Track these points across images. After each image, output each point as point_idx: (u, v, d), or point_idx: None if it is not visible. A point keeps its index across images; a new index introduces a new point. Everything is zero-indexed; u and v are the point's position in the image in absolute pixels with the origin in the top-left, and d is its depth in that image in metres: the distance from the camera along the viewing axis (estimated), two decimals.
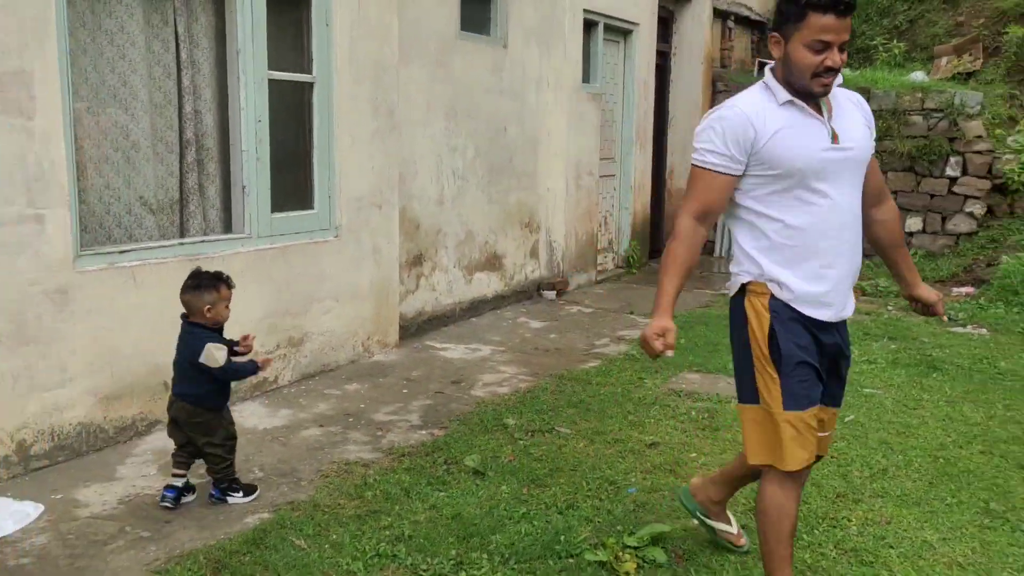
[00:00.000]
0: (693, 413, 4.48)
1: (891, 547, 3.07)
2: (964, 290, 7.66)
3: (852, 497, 3.48)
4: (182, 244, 4.20)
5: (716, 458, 3.88)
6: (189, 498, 3.39)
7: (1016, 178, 8.18)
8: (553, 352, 5.75)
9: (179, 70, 4.26)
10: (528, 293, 7.29)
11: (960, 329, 6.42)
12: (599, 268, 8.35)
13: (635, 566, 2.87)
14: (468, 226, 6.45)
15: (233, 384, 3.47)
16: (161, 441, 3.98)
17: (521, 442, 4.03)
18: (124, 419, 3.94)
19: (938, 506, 3.42)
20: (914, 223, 8.70)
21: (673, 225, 2.54)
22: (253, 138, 4.52)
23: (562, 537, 3.06)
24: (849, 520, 3.28)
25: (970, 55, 9.47)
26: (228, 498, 3.36)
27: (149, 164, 4.17)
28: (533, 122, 7.15)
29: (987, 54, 9.60)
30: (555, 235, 7.49)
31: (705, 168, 2.42)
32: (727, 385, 4.96)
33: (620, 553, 2.92)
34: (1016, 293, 7.11)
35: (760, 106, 2.39)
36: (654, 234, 9.56)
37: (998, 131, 8.43)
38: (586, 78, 7.84)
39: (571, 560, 2.93)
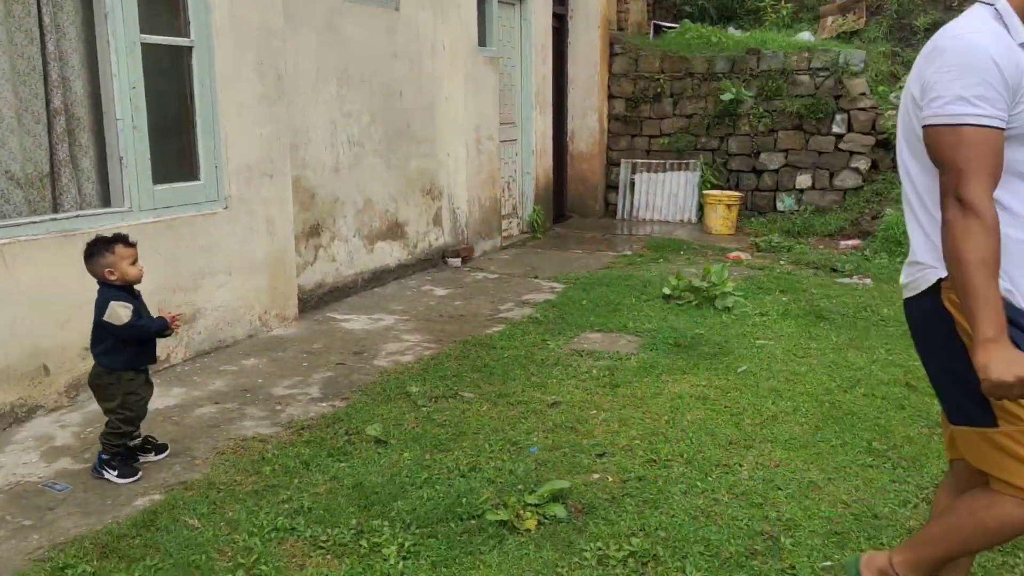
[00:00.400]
0: (594, 372, 4.55)
1: (779, 488, 3.19)
2: (851, 243, 7.99)
3: (744, 443, 3.60)
4: (55, 220, 3.98)
5: (616, 413, 3.94)
6: (154, 457, 3.46)
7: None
8: (457, 319, 5.73)
9: (42, 35, 4.00)
10: (433, 261, 7.24)
11: (847, 280, 6.69)
12: (504, 234, 8.35)
13: (535, 523, 2.90)
14: (367, 194, 6.33)
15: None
16: (43, 427, 3.80)
17: (424, 409, 4.01)
18: (1, 405, 3.73)
19: (824, 448, 3.57)
20: (804, 180, 9.01)
21: (958, 211, 1.77)
22: (128, 106, 4.30)
23: (464, 499, 3.07)
24: (741, 465, 3.39)
25: (854, 14, 9.80)
26: (104, 473, 3.26)
27: (14, 136, 3.92)
28: (430, 87, 7.05)
29: (870, 13, 9.95)
30: (458, 201, 7.44)
31: (983, 126, 1.77)
32: (627, 343, 5.05)
33: (521, 511, 2.94)
34: (899, 244, 7.45)
35: (1005, 42, 1.83)
36: (558, 199, 9.62)
37: (881, 88, 8.76)
38: (482, 41, 7.77)
39: (473, 521, 2.94)
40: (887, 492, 3.18)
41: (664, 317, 5.57)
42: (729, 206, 8.80)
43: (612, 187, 10.01)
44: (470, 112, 7.40)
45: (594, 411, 4.00)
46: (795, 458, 3.47)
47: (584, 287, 6.49)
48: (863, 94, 8.74)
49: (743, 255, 7.66)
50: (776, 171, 9.09)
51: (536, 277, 6.98)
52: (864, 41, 9.62)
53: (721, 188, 9.19)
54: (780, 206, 9.07)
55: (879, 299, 6.04)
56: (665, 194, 9.61)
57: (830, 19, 10.02)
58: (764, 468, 3.37)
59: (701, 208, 9.28)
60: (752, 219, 9.06)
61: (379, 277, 6.55)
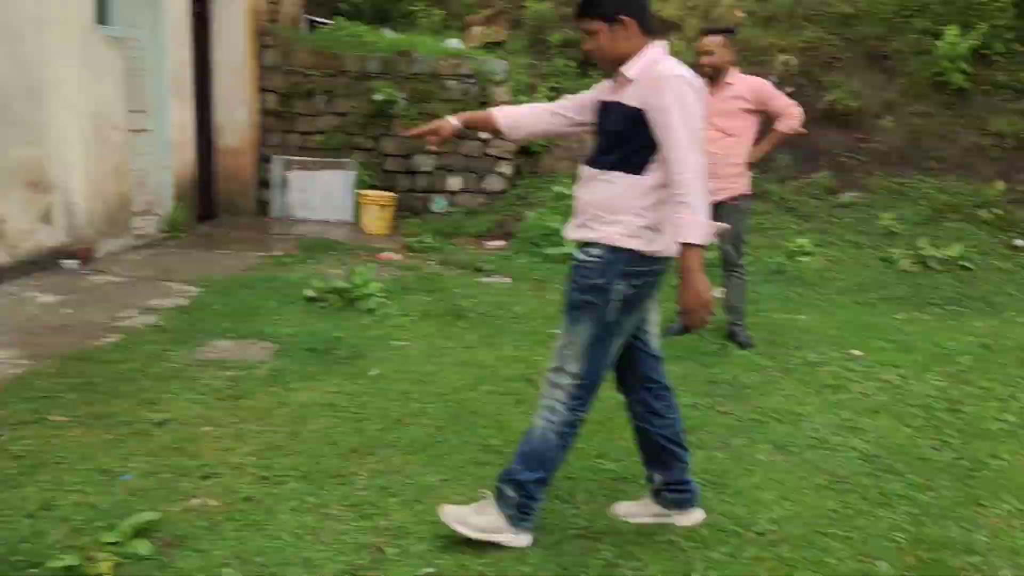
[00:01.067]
0: (217, 384, 4.21)
1: (393, 496, 3.14)
2: (497, 243, 8.36)
3: (365, 451, 3.51)
4: None
5: (233, 428, 3.66)
6: None
7: (535, 142, 9.11)
8: (62, 330, 5.03)
9: None
10: (43, 264, 6.32)
11: (488, 279, 6.97)
12: (137, 233, 7.59)
13: (112, 564, 2.54)
14: None
15: None
16: None
17: None
18: None
19: (443, 449, 3.59)
20: (455, 182, 9.28)
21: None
22: None
23: (26, 545, 2.62)
24: (358, 475, 3.29)
25: (497, 26, 10.31)
26: None
27: None
28: (37, 67, 6.15)
29: (512, 26, 10.54)
30: (75, 196, 6.59)
31: None
32: (260, 350, 4.77)
33: (95, 552, 2.57)
34: (536, 244, 7.93)
35: None
36: (204, 196, 8.96)
37: (521, 98, 9.29)
38: (103, 19, 6.97)
39: (34, 571, 2.51)
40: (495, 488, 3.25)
41: (304, 321, 5.35)
42: (383, 206, 8.80)
43: (266, 184, 9.57)
44: (89, 97, 6.59)
45: (208, 428, 3.68)
46: (414, 462, 3.44)
47: (223, 290, 6.06)
48: (505, 102, 9.20)
49: (395, 255, 7.69)
50: (430, 173, 9.27)
51: (170, 280, 6.39)
52: (507, 52, 10.16)
53: (376, 188, 9.17)
54: (433, 207, 9.26)
55: (514, 297, 6.35)
56: (321, 193, 9.37)
57: (476, 28, 10.46)
58: (381, 475, 3.30)
59: (358, 208, 9.18)
60: (408, 220, 9.15)
61: None
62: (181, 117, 8.13)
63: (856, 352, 5.29)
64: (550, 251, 7.67)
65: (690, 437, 3.86)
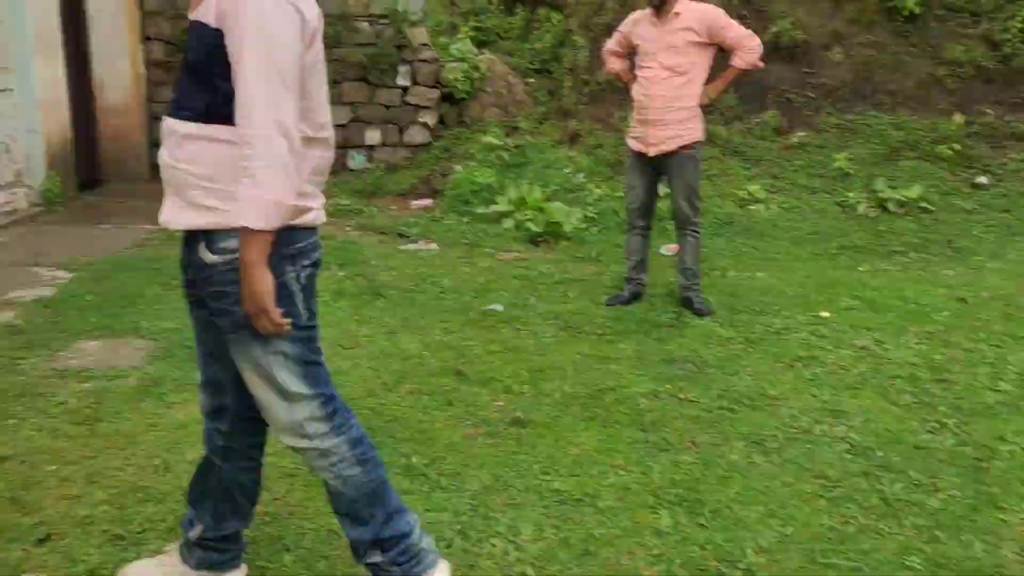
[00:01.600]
0: (74, 401, 3.42)
1: (288, 550, 2.44)
2: (422, 203, 7.60)
3: None
4: None
5: (84, 465, 2.90)
6: None
7: (460, 87, 8.30)
8: None
9: None
10: None
11: (412, 246, 6.22)
12: (6, 209, 6.60)
13: None
14: None
15: None
16: None
17: None
18: None
19: None
20: (373, 136, 8.44)
21: None
22: None
23: None
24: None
25: None
26: None
27: None
28: None
29: None
30: None
31: None
32: (133, 351, 3.98)
33: None
34: (467, 203, 7.20)
35: None
36: (86, 162, 7.94)
37: (441, 39, 8.45)
38: None
39: None
40: (424, 516, 2.58)
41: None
42: None
43: (158, 145, 8.55)
44: None
45: (54, 466, 2.91)
46: (318, 497, 2.74)
47: (98, 276, 5.19)
48: (424, 44, 8.34)
49: None
50: (344, 126, 8.40)
51: (37, 265, 5.48)
52: None
53: None
54: (351, 164, 8.41)
55: (441, 267, 5.62)
56: None
57: None
58: (274, 521, 2.60)
59: None
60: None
61: None
62: (50, 73, 7.07)
63: (824, 314, 4.75)
64: (481, 210, 6.95)
65: (650, 436, 3.27)
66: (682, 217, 4.75)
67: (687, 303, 4.79)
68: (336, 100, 8.28)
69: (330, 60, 7.74)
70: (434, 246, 6.22)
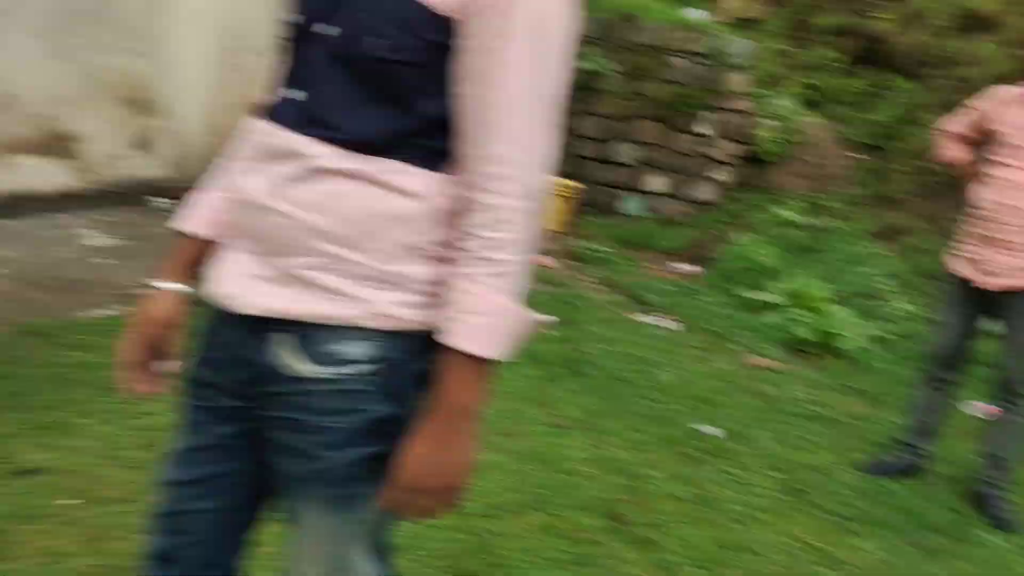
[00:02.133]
0: None
1: None
2: (684, 268, 6.56)
3: None
4: None
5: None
6: None
7: (769, 148, 7.14)
8: (69, 288, 4.00)
9: None
10: (128, 197, 5.44)
11: (647, 318, 5.20)
12: None
13: None
14: (6, 86, 4.53)
15: None
16: None
17: None
18: None
19: None
20: (655, 182, 7.51)
21: None
22: None
23: None
24: None
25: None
26: None
27: None
28: None
29: (774, 1, 8.48)
30: (188, 124, 5.66)
31: None
32: None
33: None
34: (733, 280, 6.06)
35: None
36: None
37: (762, 91, 7.34)
38: None
39: None
40: None
41: None
42: (565, 198, 7.26)
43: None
44: (222, 8, 5.59)
45: None
46: None
47: None
48: (741, 93, 7.28)
49: (552, 262, 6.15)
50: (629, 166, 7.59)
51: None
52: (760, 33, 8.16)
53: (562, 176, 7.63)
54: (622, 208, 7.58)
55: (668, 355, 4.57)
56: None
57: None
58: None
59: None
60: (590, 218, 7.54)
61: (15, 205, 4.74)
62: None
63: None
64: (746, 294, 5.77)
65: None
66: (1012, 382, 3.32)
67: (982, 502, 3.36)
68: (628, 137, 7.54)
69: (636, 94, 6.70)
70: (673, 324, 5.18)
